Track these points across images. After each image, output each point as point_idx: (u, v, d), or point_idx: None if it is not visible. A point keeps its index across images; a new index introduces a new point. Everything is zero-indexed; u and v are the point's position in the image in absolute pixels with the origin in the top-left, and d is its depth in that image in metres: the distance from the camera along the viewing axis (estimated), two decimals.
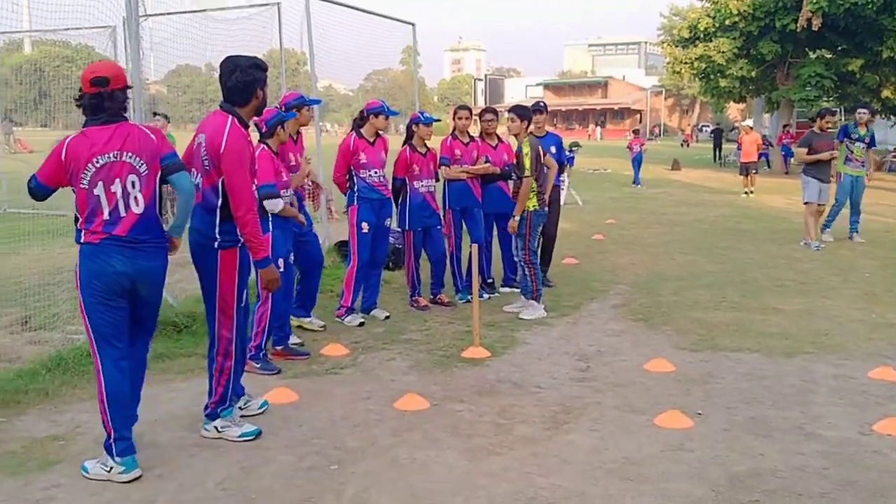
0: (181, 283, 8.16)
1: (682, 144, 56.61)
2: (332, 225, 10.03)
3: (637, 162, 24.29)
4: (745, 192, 20.83)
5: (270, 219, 5.96)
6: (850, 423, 5.06)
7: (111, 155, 4.14)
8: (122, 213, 4.16)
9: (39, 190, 4.25)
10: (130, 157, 4.17)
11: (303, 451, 4.62)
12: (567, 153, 11.78)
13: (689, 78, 36.59)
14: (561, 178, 9.85)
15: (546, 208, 8.04)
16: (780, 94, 31.10)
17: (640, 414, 5.22)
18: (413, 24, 12.34)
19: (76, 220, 4.23)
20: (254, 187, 4.66)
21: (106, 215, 4.15)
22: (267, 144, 6.09)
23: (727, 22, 29.27)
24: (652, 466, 4.43)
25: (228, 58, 4.70)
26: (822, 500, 4.05)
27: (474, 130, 8.80)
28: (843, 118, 29.27)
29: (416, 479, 4.28)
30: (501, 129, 8.68)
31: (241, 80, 4.61)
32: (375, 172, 7.51)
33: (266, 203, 5.75)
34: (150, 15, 9.39)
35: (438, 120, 8.38)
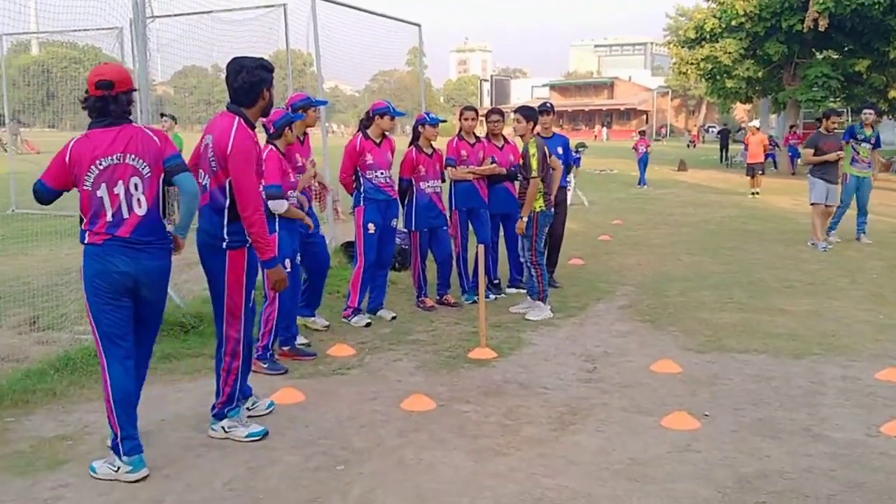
0: (188, 283, 8.19)
1: (688, 145, 56.51)
2: (338, 226, 10.03)
3: (643, 163, 24.28)
4: (752, 193, 20.79)
5: (277, 219, 5.97)
6: (858, 424, 5.04)
7: (114, 157, 4.17)
8: (125, 215, 4.20)
9: (45, 192, 4.28)
10: (133, 160, 4.20)
11: (309, 452, 4.63)
12: (573, 154, 11.78)
13: (695, 78, 36.48)
14: (567, 179, 9.84)
15: (552, 209, 8.03)
16: (786, 94, 31.01)
17: (646, 415, 5.21)
18: (419, 25, 12.35)
19: (81, 220, 4.26)
20: (261, 188, 4.68)
21: (109, 217, 4.18)
22: (275, 145, 6.10)
23: (733, 22, 29.20)
24: (658, 467, 4.43)
25: (234, 59, 4.71)
26: (830, 501, 4.04)
27: (480, 131, 8.80)
28: (849, 119, 29.21)
29: (423, 479, 4.29)
30: (507, 130, 8.68)
31: (248, 81, 4.62)
32: (382, 173, 7.52)
33: (270, 203, 5.77)
34: (158, 16, 9.42)
35: (444, 121, 8.39)
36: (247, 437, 4.75)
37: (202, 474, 4.33)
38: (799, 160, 26.24)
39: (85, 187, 4.17)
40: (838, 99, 31.54)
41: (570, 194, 11.74)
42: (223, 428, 4.78)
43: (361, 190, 7.53)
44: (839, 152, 11.73)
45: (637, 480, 4.27)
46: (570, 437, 4.87)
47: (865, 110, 12.81)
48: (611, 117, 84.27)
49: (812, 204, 11.98)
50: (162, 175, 4.31)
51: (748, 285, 9.27)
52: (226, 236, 4.61)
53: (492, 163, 8.30)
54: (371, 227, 7.49)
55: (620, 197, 20.73)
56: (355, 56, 11.91)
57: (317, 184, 7.50)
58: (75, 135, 4.35)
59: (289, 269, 6.06)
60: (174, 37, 11.16)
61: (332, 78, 15.58)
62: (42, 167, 4.38)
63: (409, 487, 4.19)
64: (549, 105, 9.20)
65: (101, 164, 4.15)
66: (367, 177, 7.48)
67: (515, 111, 7.89)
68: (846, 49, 29.91)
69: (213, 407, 4.84)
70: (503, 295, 8.71)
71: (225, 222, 4.60)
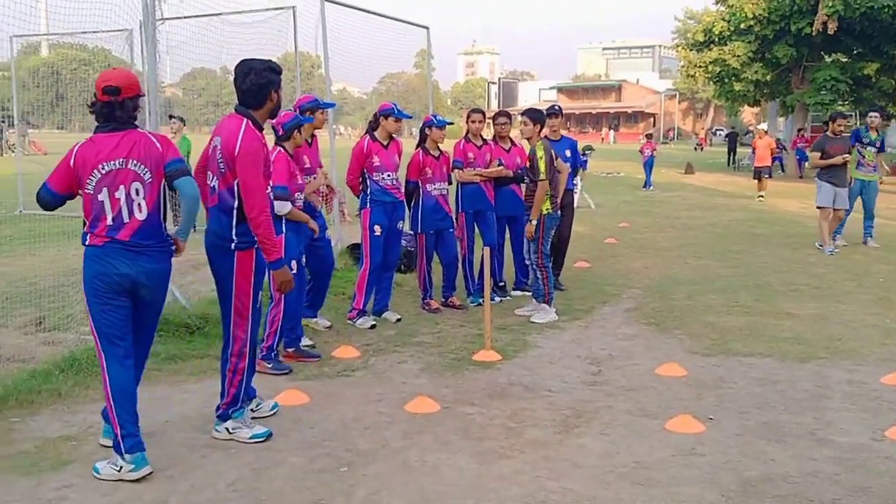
0: (194, 284, 8.22)
1: (695, 148, 56.43)
2: (344, 227, 10.05)
3: (648, 166, 24.32)
4: (758, 197, 20.74)
5: (284, 221, 5.99)
6: (863, 428, 5.03)
7: (117, 162, 4.22)
8: (126, 219, 4.24)
9: (50, 197, 4.31)
10: (135, 165, 4.25)
11: (313, 453, 4.63)
12: (580, 157, 11.78)
13: (703, 81, 36.46)
14: (574, 182, 9.84)
15: (559, 212, 8.03)
16: (794, 97, 30.95)
17: (651, 418, 5.20)
18: (427, 28, 12.36)
19: (84, 223, 4.31)
20: (268, 190, 4.70)
21: (109, 221, 4.23)
22: (283, 147, 6.12)
23: (742, 25, 29.16)
24: (663, 471, 4.42)
25: (243, 61, 4.74)
26: None
27: (487, 134, 8.81)
28: (857, 122, 29.09)
29: (427, 481, 4.29)
30: (514, 133, 8.69)
31: (256, 83, 4.64)
32: (388, 175, 7.53)
33: (274, 204, 5.78)
34: (167, 19, 9.45)
35: (451, 123, 8.40)
36: (251, 438, 4.76)
37: (206, 475, 4.33)
38: (806, 163, 26.17)
39: (87, 191, 4.22)
40: (847, 102, 31.48)
41: (576, 197, 11.72)
42: (227, 429, 4.79)
43: (368, 192, 7.54)
44: (845, 155, 11.68)
45: (641, 484, 4.26)
46: (574, 440, 4.86)
47: (871, 113, 12.78)
48: (618, 120, 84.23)
49: (818, 207, 11.94)
50: (163, 180, 4.35)
51: (755, 289, 9.25)
52: (234, 237, 4.63)
53: (499, 165, 8.31)
54: (377, 229, 7.49)
55: (627, 200, 20.71)
56: (363, 58, 11.92)
57: (324, 186, 7.52)
58: (84, 136, 4.39)
59: (294, 271, 6.08)
60: (183, 39, 11.22)
61: (340, 80, 15.60)
62: (49, 168, 4.41)
63: (413, 489, 4.19)
64: (557, 108, 9.20)
65: (103, 169, 4.20)
66: (374, 179, 7.49)
67: (522, 114, 7.91)
68: (855, 52, 29.86)
69: (218, 408, 4.85)
70: (508, 297, 8.71)
71: (233, 223, 4.62)
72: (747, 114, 69.08)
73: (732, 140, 38.37)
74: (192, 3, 9.67)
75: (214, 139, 4.67)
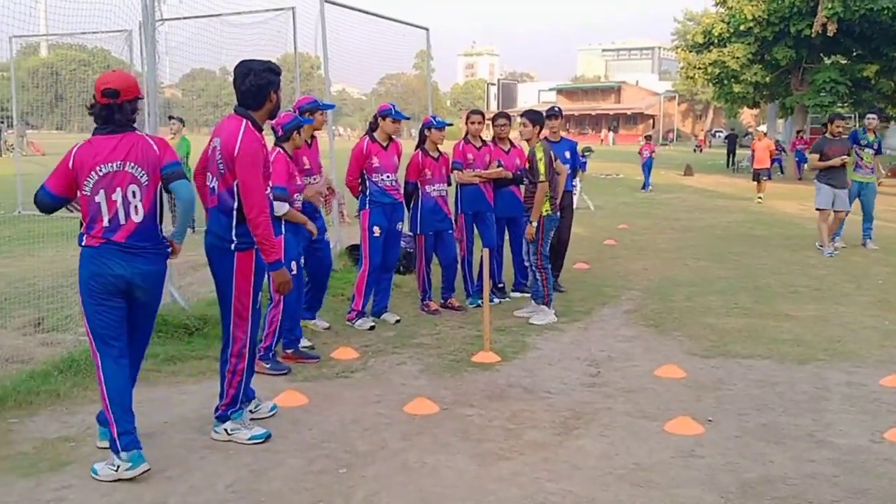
0: (193, 285, 8.22)
1: (694, 150, 56.46)
2: (343, 228, 10.05)
3: (647, 167, 24.40)
4: (757, 199, 20.75)
5: (283, 222, 5.99)
6: (862, 430, 5.03)
7: (114, 164, 4.24)
8: (122, 221, 4.26)
9: (49, 199, 4.33)
10: (132, 168, 4.27)
11: (312, 455, 4.63)
12: (580, 158, 11.78)
13: (702, 83, 36.45)
14: (574, 183, 9.84)
15: (558, 213, 8.04)
16: (794, 99, 30.97)
17: (650, 420, 5.20)
18: (427, 29, 12.36)
19: (80, 223, 4.34)
20: (267, 191, 4.70)
21: (105, 222, 4.25)
22: (283, 148, 6.12)
23: (742, 27, 29.16)
24: (662, 472, 4.42)
25: (242, 62, 4.75)
26: None
27: (487, 135, 8.81)
28: (857, 124, 29.14)
29: (426, 483, 4.29)
30: (514, 134, 8.69)
31: (255, 83, 4.65)
32: (388, 176, 7.53)
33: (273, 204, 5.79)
34: (167, 19, 9.45)
35: (451, 124, 8.40)
36: (250, 439, 4.75)
37: (205, 476, 4.33)
38: (805, 165, 26.18)
39: (84, 192, 4.24)
40: (846, 104, 31.50)
41: (575, 198, 11.72)
42: (226, 430, 4.79)
43: (367, 193, 7.54)
44: (844, 157, 11.64)
45: (640, 485, 4.26)
46: (573, 442, 4.86)
47: (869, 115, 12.79)
48: (617, 121, 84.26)
49: (817, 209, 11.94)
50: (160, 182, 4.36)
51: (754, 290, 9.25)
52: (234, 238, 4.64)
53: (498, 166, 8.31)
54: (376, 231, 7.49)
55: (626, 201, 20.72)
56: (363, 59, 11.94)
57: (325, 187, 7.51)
58: (83, 137, 4.40)
59: (294, 272, 6.08)
60: (183, 40, 11.22)
61: (339, 81, 15.63)
62: (48, 169, 4.42)
63: (412, 491, 4.19)
64: (557, 109, 9.20)
65: (101, 171, 4.22)
66: (373, 180, 7.49)
67: (522, 115, 7.90)
68: (854, 54, 29.89)
69: (217, 409, 4.85)
70: (507, 299, 8.70)
71: (233, 224, 4.63)
72: (746, 115, 69.10)
73: (732, 142, 38.39)
74: (191, 3, 9.68)
75: (214, 140, 4.68)
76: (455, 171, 8.21)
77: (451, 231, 8.15)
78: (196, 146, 10.63)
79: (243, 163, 4.52)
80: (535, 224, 7.63)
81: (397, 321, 7.71)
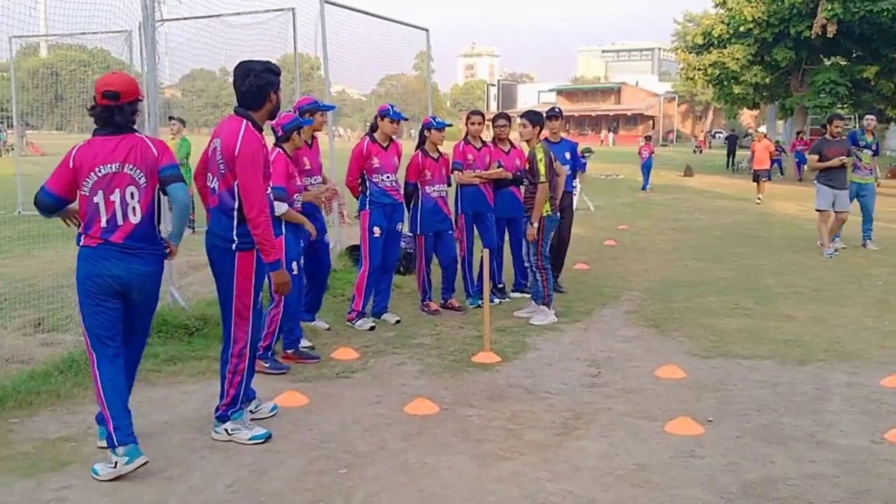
0: (193, 286, 8.21)
1: (694, 151, 56.47)
2: (343, 229, 10.05)
3: (646, 167, 24.45)
4: (756, 200, 20.75)
5: (283, 222, 5.98)
6: (863, 431, 5.03)
7: (113, 166, 4.26)
8: (120, 222, 4.29)
9: (50, 200, 4.35)
10: (131, 169, 4.29)
11: (313, 455, 4.63)
12: (580, 159, 11.77)
13: (702, 84, 36.48)
14: (573, 184, 9.84)
15: (558, 214, 8.04)
16: (794, 100, 30.99)
17: (651, 420, 5.20)
18: (427, 30, 12.36)
19: (78, 223, 4.36)
20: (267, 190, 4.70)
21: (103, 223, 4.27)
22: (283, 149, 6.13)
23: (741, 28, 29.19)
24: (662, 473, 4.41)
25: (242, 63, 4.76)
26: None
27: (487, 136, 8.81)
28: (856, 125, 29.16)
29: (426, 483, 4.28)
30: (514, 135, 8.69)
31: (255, 84, 4.66)
32: (388, 177, 7.53)
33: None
34: (167, 20, 9.45)
35: (450, 125, 8.40)
36: (250, 439, 4.75)
37: (205, 476, 4.33)
38: (805, 166, 26.20)
39: (82, 192, 4.27)
40: (846, 105, 31.53)
41: (575, 199, 11.72)
42: (226, 430, 4.79)
43: (367, 193, 7.54)
44: (843, 158, 11.59)
45: (641, 486, 4.26)
46: (574, 442, 4.86)
47: (867, 116, 12.80)
48: (617, 122, 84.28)
49: (817, 210, 11.93)
50: (157, 185, 4.38)
51: (754, 291, 9.25)
52: (235, 238, 4.64)
53: (498, 167, 8.31)
54: (376, 231, 7.49)
55: (626, 202, 20.72)
56: (363, 60, 11.95)
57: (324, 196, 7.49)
58: (83, 137, 4.41)
59: (295, 272, 6.08)
60: (183, 40, 11.22)
61: (339, 82, 15.61)
62: (48, 169, 4.42)
63: (412, 491, 4.19)
64: (557, 110, 9.20)
65: (99, 172, 4.25)
66: (374, 180, 7.49)
67: (521, 116, 7.91)
68: (854, 55, 29.91)
69: (217, 409, 4.85)
70: (508, 299, 8.70)
71: (234, 224, 4.64)
72: (746, 116, 69.16)
73: (732, 143, 38.42)
74: (191, 4, 9.68)
75: (214, 141, 4.69)
76: (455, 172, 8.21)
77: (451, 231, 8.15)
78: (196, 147, 10.63)
79: (244, 163, 4.52)
80: (535, 225, 7.62)
81: (397, 322, 7.71)
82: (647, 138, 27.59)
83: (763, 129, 26.20)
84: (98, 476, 4.24)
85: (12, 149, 21.57)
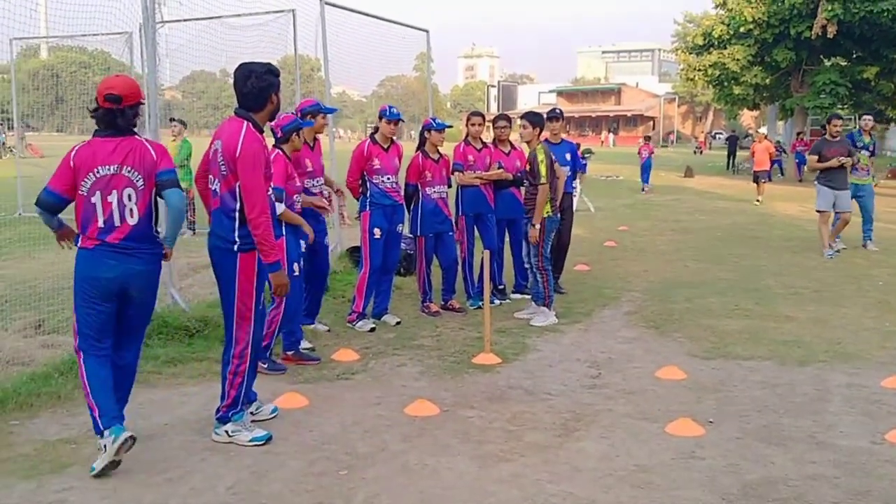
0: (193, 287, 8.21)
1: (695, 152, 56.48)
2: (344, 230, 10.05)
3: (645, 168, 24.49)
4: (755, 201, 20.75)
5: (284, 224, 5.99)
6: (863, 432, 5.03)
7: (112, 167, 4.30)
8: (117, 223, 4.33)
9: (52, 199, 4.37)
10: (129, 172, 4.33)
11: (313, 457, 4.63)
12: (580, 160, 11.79)
13: (702, 85, 36.51)
14: (574, 185, 9.85)
15: (559, 215, 8.04)
16: (794, 101, 31.00)
17: (651, 421, 5.20)
18: (427, 31, 12.37)
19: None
20: (268, 191, 4.71)
21: (100, 223, 4.31)
22: (282, 150, 6.13)
23: (742, 29, 29.21)
24: (663, 474, 4.41)
25: (243, 64, 4.76)
26: None
27: (487, 137, 8.81)
28: (856, 125, 29.21)
29: (427, 484, 4.28)
30: (514, 136, 8.69)
31: (256, 85, 4.67)
32: (388, 178, 7.53)
33: None
34: (167, 21, 9.45)
35: (451, 126, 8.41)
36: (250, 441, 4.75)
37: (205, 478, 4.33)
38: (805, 167, 26.20)
39: (80, 192, 4.30)
40: (846, 106, 31.52)
41: (576, 200, 11.73)
42: (227, 432, 4.79)
43: (368, 195, 7.54)
44: (841, 158, 11.56)
45: (641, 487, 4.26)
46: (574, 444, 4.86)
47: (865, 117, 12.80)
48: (617, 123, 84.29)
49: (818, 211, 11.92)
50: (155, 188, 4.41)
51: (754, 292, 9.25)
52: (237, 239, 4.65)
53: (498, 168, 8.31)
54: (377, 232, 7.49)
55: (626, 203, 20.73)
56: (363, 61, 11.94)
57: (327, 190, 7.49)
58: (83, 139, 4.44)
59: (296, 274, 6.08)
60: (183, 42, 11.23)
61: (339, 83, 15.64)
62: (48, 171, 4.43)
63: (412, 493, 4.19)
64: (558, 111, 9.20)
65: (98, 173, 4.28)
66: (374, 182, 7.49)
67: (522, 117, 7.91)
68: (854, 56, 29.93)
69: (218, 410, 4.85)
70: (508, 300, 8.70)
71: (236, 226, 4.64)
72: (747, 117, 69.17)
73: (732, 143, 38.41)
74: (191, 6, 9.68)
75: (215, 142, 4.70)
76: (456, 173, 8.21)
77: (451, 233, 8.15)
78: (197, 148, 10.64)
79: (245, 164, 4.53)
80: (537, 226, 7.62)
81: (398, 323, 7.71)
82: (647, 138, 27.62)
83: (763, 129, 26.23)
84: (94, 471, 4.25)
85: (12, 150, 21.57)
